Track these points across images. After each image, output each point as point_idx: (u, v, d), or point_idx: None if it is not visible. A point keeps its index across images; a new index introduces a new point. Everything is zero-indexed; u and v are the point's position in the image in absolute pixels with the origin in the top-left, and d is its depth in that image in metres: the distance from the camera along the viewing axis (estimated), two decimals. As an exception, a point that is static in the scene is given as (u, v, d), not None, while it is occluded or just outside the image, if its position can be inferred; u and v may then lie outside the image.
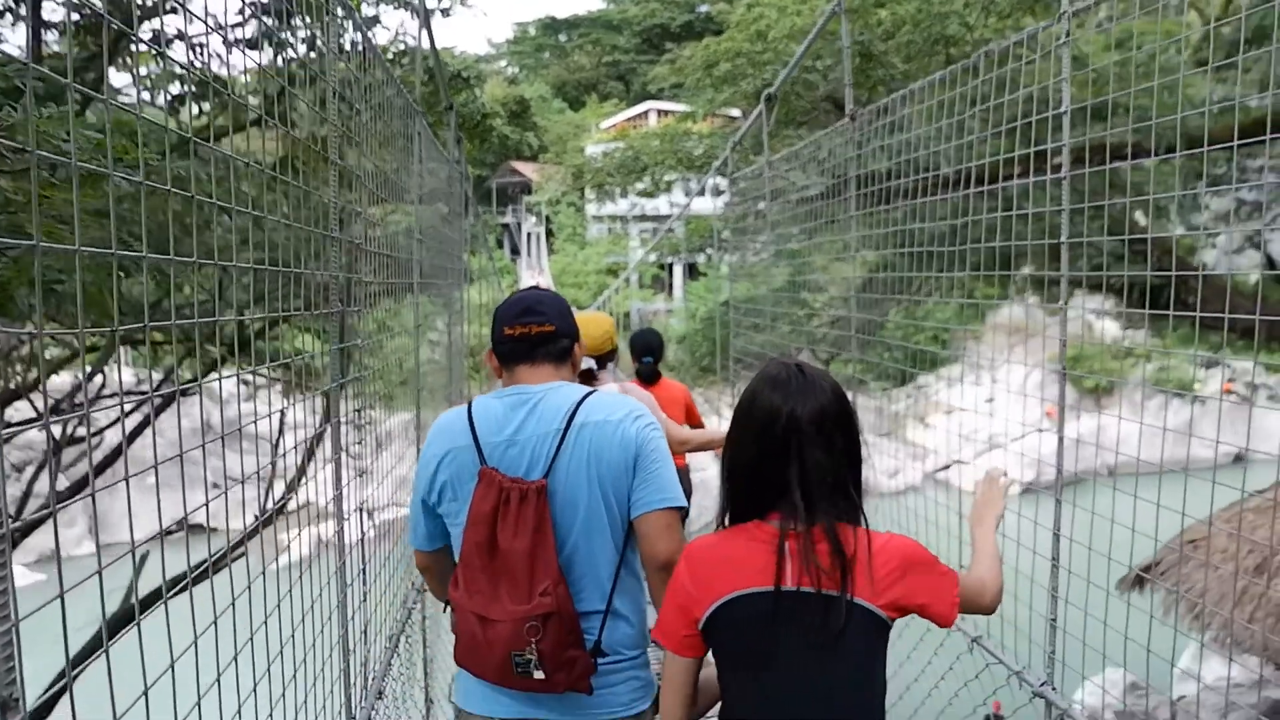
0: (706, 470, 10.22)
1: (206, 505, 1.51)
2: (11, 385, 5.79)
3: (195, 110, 5.94)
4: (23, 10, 5.24)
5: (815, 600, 1.65)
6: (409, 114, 4.06)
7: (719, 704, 1.85)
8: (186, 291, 5.37)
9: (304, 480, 2.53)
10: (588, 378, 3.05)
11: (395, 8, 9.44)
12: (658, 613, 1.89)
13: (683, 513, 2.13)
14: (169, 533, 1.38)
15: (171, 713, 1.30)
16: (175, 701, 1.30)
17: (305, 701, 2.07)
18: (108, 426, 7.30)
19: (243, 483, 1.81)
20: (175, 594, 1.38)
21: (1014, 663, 2.93)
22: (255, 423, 1.97)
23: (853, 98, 4.73)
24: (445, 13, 11.27)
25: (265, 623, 1.75)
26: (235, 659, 1.59)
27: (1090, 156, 2.61)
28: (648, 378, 4.91)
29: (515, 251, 42.86)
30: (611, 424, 2.04)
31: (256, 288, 1.80)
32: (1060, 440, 2.81)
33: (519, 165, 42.88)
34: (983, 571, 1.96)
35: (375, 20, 9.06)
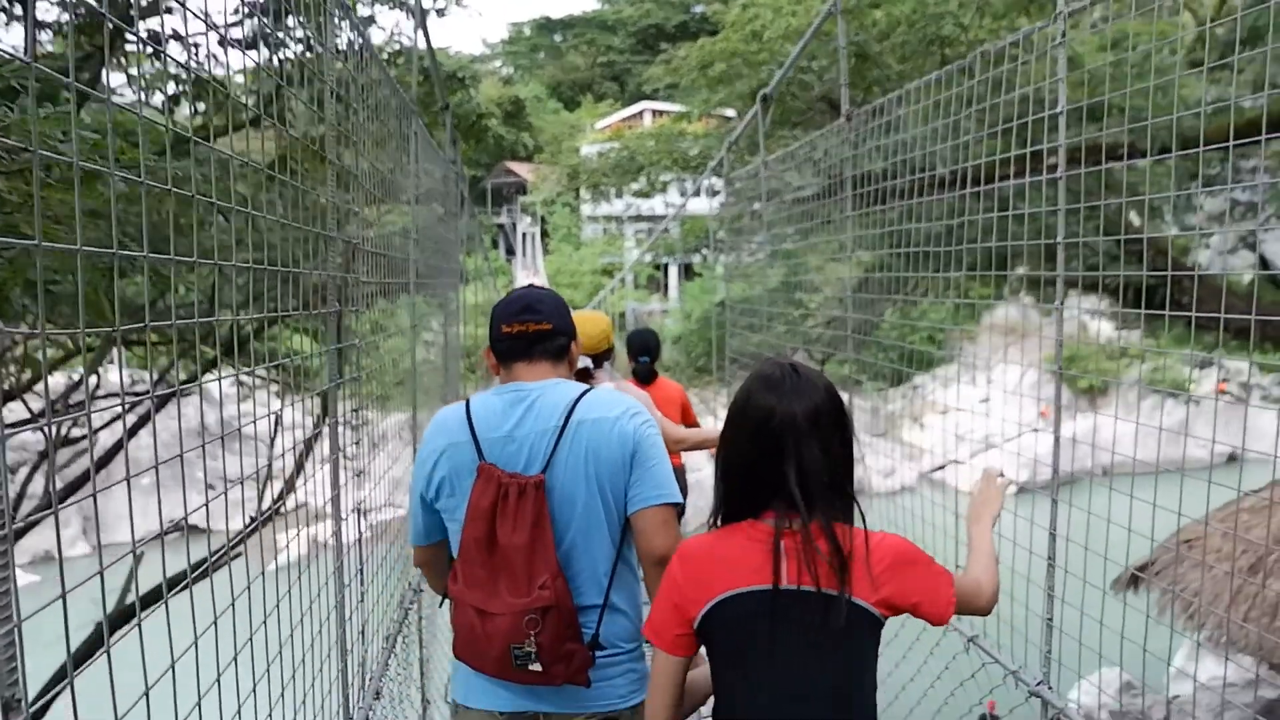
0: (702, 470, 10.22)
1: (206, 506, 1.51)
2: (6, 386, 5.78)
3: (190, 110, 5.94)
4: (17, 10, 5.23)
5: (815, 599, 1.66)
6: (405, 114, 4.06)
7: (705, 705, 1.85)
8: (182, 292, 5.36)
9: (303, 480, 2.53)
10: (584, 377, 3.05)
11: (390, 8, 9.42)
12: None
13: (679, 509, 2.15)
14: (164, 534, 1.38)
15: (172, 713, 1.30)
16: (176, 702, 1.30)
17: (304, 701, 2.07)
18: (104, 427, 7.29)
19: (242, 483, 1.81)
20: (175, 594, 1.38)
21: (1010, 662, 2.94)
22: (255, 423, 1.97)
23: (848, 98, 4.73)
24: (440, 13, 11.27)
25: (265, 623, 1.75)
26: (235, 659, 1.59)
27: (1085, 157, 2.62)
28: (644, 377, 4.92)
29: (510, 252, 42.85)
30: (609, 421, 2.06)
31: (255, 287, 1.79)
32: (1056, 440, 2.81)
33: (514, 165, 42.89)
34: (979, 572, 1.96)
35: (370, 20, 9.05)
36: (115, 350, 5.58)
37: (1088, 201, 2.79)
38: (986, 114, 3.07)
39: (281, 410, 2.81)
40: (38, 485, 7.22)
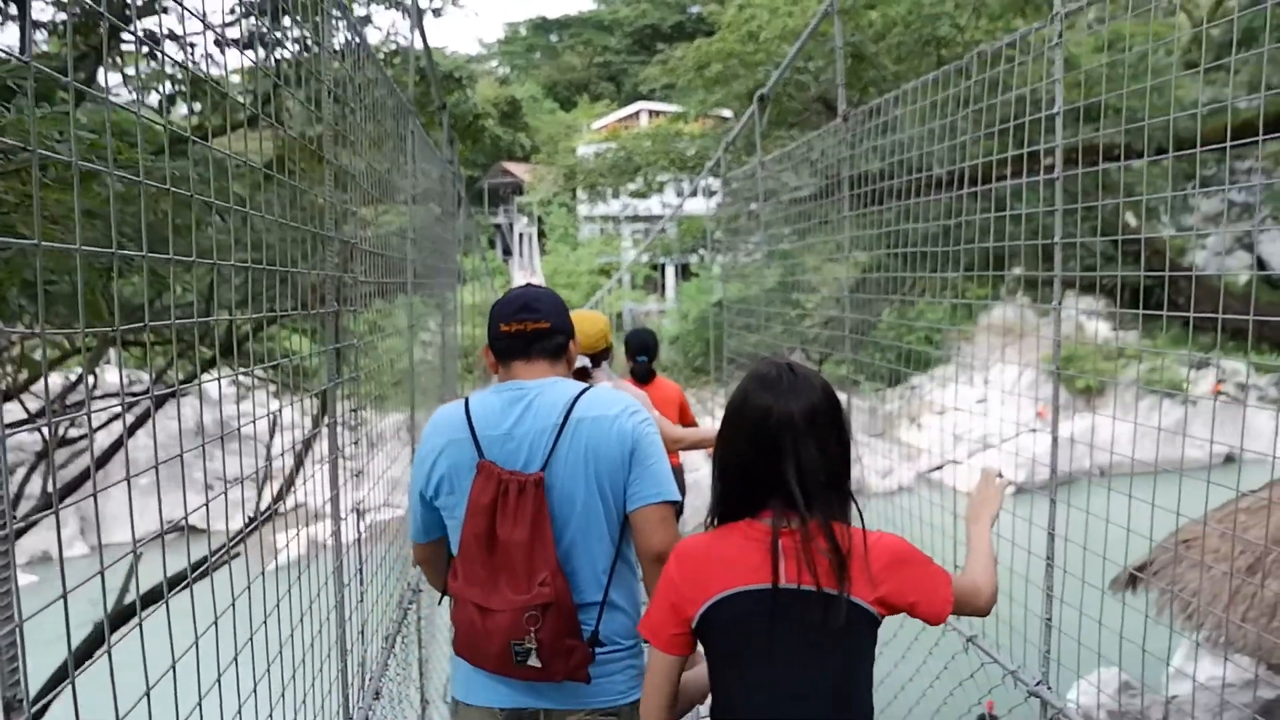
0: (699, 471, 10.22)
1: (206, 506, 1.50)
2: (3, 386, 5.76)
3: (187, 110, 5.93)
4: (12, 9, 5.22)
5: (815, 598, 1.66)
6: (402, 114, 4.06)
7: (704, 703, 1.85)
8: (179, 292, 5.35)
9: (303, 481, 2.52)
10: (582, 376, 3.05)
11: (386, 8, 9.42)
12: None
13: (677, 507, 2.16)
14: (164, 534, 1.38)
15: (172, 713, 1.29)
16: (176, 702, 1.30)
17: (304, 701, 2.07)
18: (101, 427, 7.27)
19: (241, 483, 1.80)
20: (175, 594, 1.38)
21: (1009, 662, 2.94)
22: (254, 423, 1.97)
23: (845, 98, 4.74)
24: (437, 13, 11.29)
25: (265, 623, 1.75)
26: (236, 659, 1.59)
27: (1081, 158, 2.62)
28: (642, 377, 4.92)
29: (507, 252, 42.85)
30: (608, 419, 2.07)
31: (254, 287, 1.79)
32: (1055, 440, 2.81)
33: (511, 166, 42.88)
34: (977, 573, 1.96)
35: (367, 20, 9.04)
36: (112, 350, 5.57)
37: (1084, 202, 2.79)
38: (983, 114, 3.07)
39: (281, 410, 2.80)
40: (34, 486, 7.20)
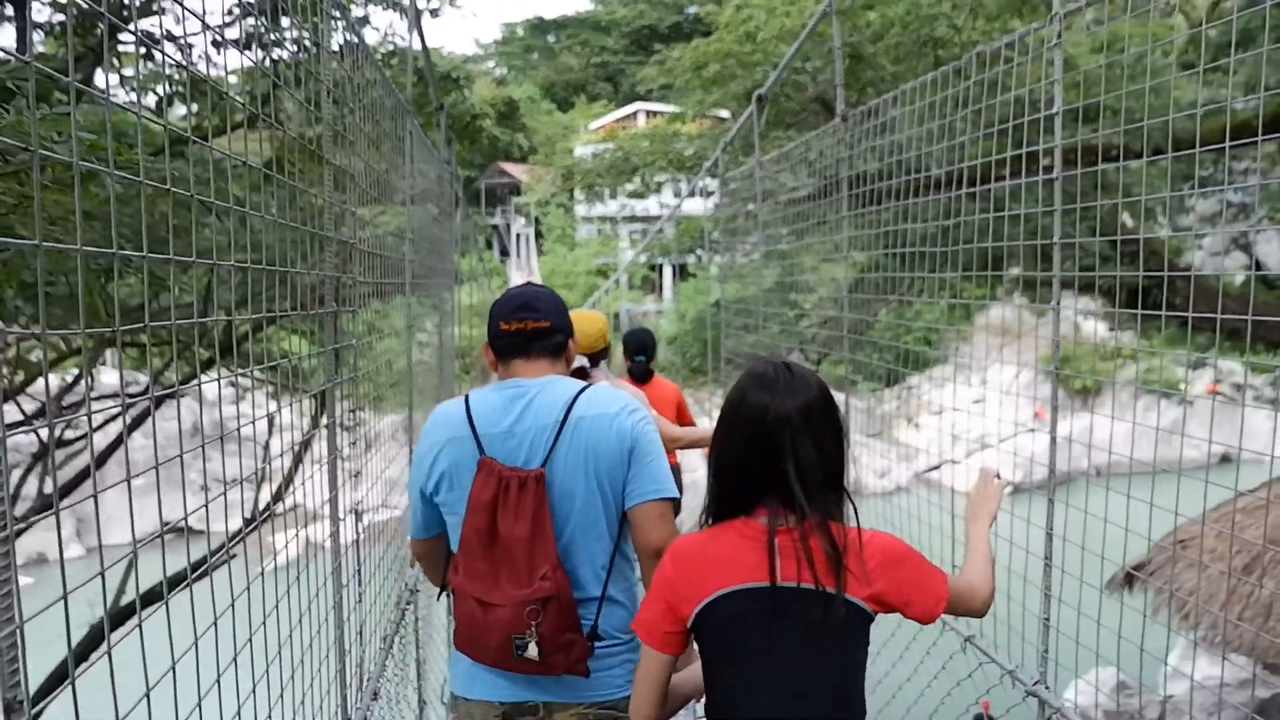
0: (697, 471, 10.22)
1: (205, 507, 1.50)
2: (2, 386, 5.75)
3: (186, 110, 5.92)
4: (9, 10, 5.22)
5: (815, 596, 1.66)
6: (400, 114, 4.05)
7: (700, 702, 1.85)
8: (177, 293, 5.34)
9: (301, 481, 2.52)
10: (580, 375, 3.05)
11: (384, 8, 9.42)
12: None
13: (675, 504, 2.17)
14: (163, 534, 1.37)
15: (172, 714, 1.29)
16: (176, 703, 1.30)
17: (303, 702, 2.07)
18: (99, 428, 7.26)
19: (241, 484, 1.80)
20: (173, 595, 1.37)
21: (1007, 661, 2.94)
22: (254, 423, 1.97)
23: (843, 99, 4.74)
24: (434, 13, 11.29)
25: (264, 624, 1.75)
26: (235, 660, 1.59)
27: (1080, 158, 2.63)
28: (640, 376, 4.92)
29: (504, 253, 42.82)
30: (607, 418, 2.08)
31: (252, 288, 1.79)
32: (1053, 440, 2.82)
33: (508, 166, 42.86)
34: (974, 574, 1.97)
35: (365, 20, 9.04)
36: (109, 351, 5.57)
37: (1082, 203, 2.79)
38: (981, 115, 3.07)
39: (279, 411, 2.80)
40: (30, 487, 7.19)
